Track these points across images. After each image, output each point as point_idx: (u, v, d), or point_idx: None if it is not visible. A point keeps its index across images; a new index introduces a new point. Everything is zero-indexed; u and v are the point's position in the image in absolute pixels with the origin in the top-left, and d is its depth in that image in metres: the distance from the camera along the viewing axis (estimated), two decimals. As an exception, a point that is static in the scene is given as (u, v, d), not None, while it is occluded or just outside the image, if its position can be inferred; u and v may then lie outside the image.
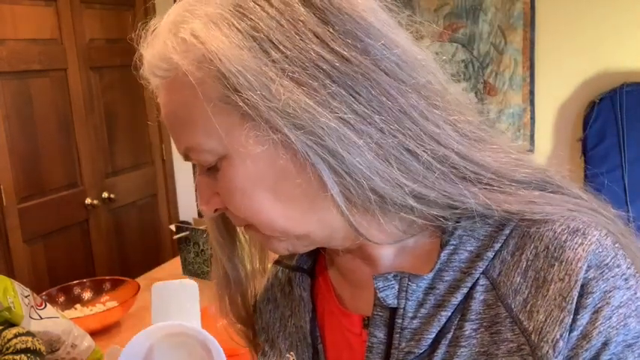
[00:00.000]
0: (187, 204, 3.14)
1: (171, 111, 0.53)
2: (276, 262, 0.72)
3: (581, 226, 0.50)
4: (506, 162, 0.53)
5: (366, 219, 0.52)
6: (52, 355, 1.22)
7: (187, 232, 1.92)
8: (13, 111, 2.23)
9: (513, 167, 0.53)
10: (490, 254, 0.52)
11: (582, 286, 0.47)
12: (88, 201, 2.56)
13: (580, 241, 0.49)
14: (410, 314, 0.53)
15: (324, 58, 0.48)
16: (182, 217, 3.02)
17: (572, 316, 0.47)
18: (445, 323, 0.52)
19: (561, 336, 0.47)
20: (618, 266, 0.49)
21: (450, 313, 0.52)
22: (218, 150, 0.51)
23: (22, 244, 2.27)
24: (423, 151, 0.50)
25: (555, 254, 0.49)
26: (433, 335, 0.52)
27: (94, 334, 1.44)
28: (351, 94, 0.48)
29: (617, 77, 2.30)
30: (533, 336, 0.48)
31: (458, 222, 0.53)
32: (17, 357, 1.03)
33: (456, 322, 0.52)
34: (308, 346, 0.62)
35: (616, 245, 0.50)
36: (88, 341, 1.30)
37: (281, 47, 0.48)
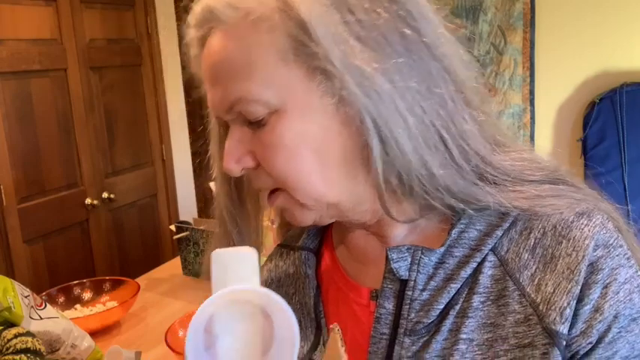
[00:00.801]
0: (187, 204, 3.14)
1: (226, 58, 0.52)
2: (280, 245, 0.73)
3: (586, 210, 0.54)
4: (520, 165, 0.56)
5: (394, 197, 0.55)
6: (52, 355, 1.22)
7: (187, 232, 1.92)
8: (13, 111, 2.23)
9: (527, 170, 0.56)
10: (499, 232, 0.54)
11: (592, 263, 0.51)
12: (88, 201, 2.56)
13: (586, 222, 0.53)
14: (420, 286, 0.55)
15: (392, 31, 0.50)
16: (182, 217, 3.02)
17: (579, 287, 0.50)
18: (454, 295, 0.54)
19: (568, 304, 0.50)
20: (621, 246, 0.52)
21: (459, 286, 0.54)
22: (273, 102, 0.51)
23: (22, 244, 2.27)
24: (455, 146, 0.53)
25: (563, 232, 0.52)
26: (442, 306, 0.54)
27: (94, 334, 1.44)
28: (410, 72, 0.51)
29: (617, 77, 2.30)
30: (541, 306, 0.51)
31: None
32: (17, 357, 1.03)
33: (464, 294, 0.54)
34: (312, 321, 0.63)
35: (616, 228, 0.54)
36: (88, 341, 1.30)
37: (355, 12, 0.50)
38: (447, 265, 0.55)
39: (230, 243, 0.65)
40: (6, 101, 2.20)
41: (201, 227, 1.93)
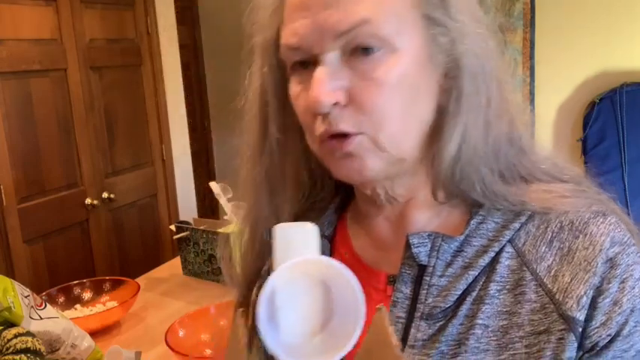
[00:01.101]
0: (187, 204, 3.14)
1: None
2: None
3: (601, 210, 0.57)
4: (546, 168, 0.61)
5: (438, 177, 0.59)
6: (52, 355, 1.22)
7: (187, 232, 1.92)
8: (13, 111, 2.23)
9: (553, 172, 0.61)
10: (516, 225, 0.57)
11: (610, 259, 0.54)
12: (88, 201, 2.56)
13: (601, 220, 0.56)
14: (438, 272, 0.57)
15: (484, 19, 0.58)
16: (182, 217, 3.02)
17: (596, 278, 0.53)
18: (471, 283, 0.56)
19: (585, 293, 0.53)
20: (634, 245, 0.55)
21: (477, 273, 0.56)
22: (391, 38, 0.53)
23: (22, 244, 2.27)
24: (504, 143, 0.59)
25: (580, 227, 0.56)
26: (460, 292, 0.56)
27: (94, 334, 1.44)
28: (500, 58, 0.59)
29: (617, 77, 2.30)
30: (557, 295, 0.54)
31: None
32: (17, 357, 1.03)
33: (481, 282, 0.56)
34: None
35: (627, 229, 0.57)
36: (88, 341, 1.30)
37: None
38: (465, 254, 0.58)
39: (260, 212, 0.66)
40: (6, 101, 2.20)
41: (201, 227, 1.93)
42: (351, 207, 0.70)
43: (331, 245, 0.68)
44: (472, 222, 0.59)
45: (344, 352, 0.40)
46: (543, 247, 0.56)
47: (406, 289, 0.58)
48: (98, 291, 1.73)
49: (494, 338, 0.54)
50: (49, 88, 2.39)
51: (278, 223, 0.59)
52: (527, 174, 0.60)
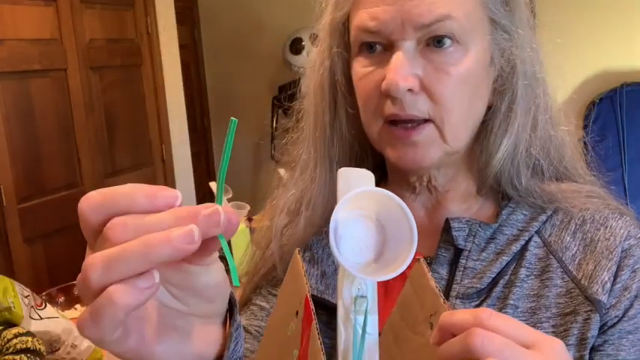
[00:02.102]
0: (187, 204, 3.13)
1: None
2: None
3: (618, 209, 0.64)
4: (579, 170, 0.67)
5: (487, 171, 0.64)
6: (52, 355, 1.22)
7: (187, 232, 1.91)
8: (13, 111, 2.23)
9: (583, 174, 0.67)
10: (543, 217, 0.63)
11: (625, 250, 0.60)
12: (88, 201, 2.56)
13: (619, 216, 0.63)
14: (474, 256, 0.62)
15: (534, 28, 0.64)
16: (182, 217, 3.02)
17: (616, 266, 0.59)
18: (504, 267, 0.61)
19: (609, 279, 0.58)
20: None
21: (509, 259, 0.61)
22: (465, 36, 0.58)
23: (22, 244, 2.27)
24: (547, 144, 0.64)
25: (601, 221, 0.62)
26: (494, 275, 0.61)
27: (94, 334, 1.44)
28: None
29: (617, 77, 2.30)
30: (583, 280, 0.59)
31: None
32: (17, 357, 1.03)
33: (512, 267, 0.61)
34: None
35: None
36: (88, 341, 1.30)
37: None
38: (498, 241, 0.62)
39: (319, 182, 0.68)
40: (6, 101, 2.20)
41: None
42: None
43: None
44: (503, 212, 0.64)
45: (398, 272, 0.43)
46: (567, 238, 0.62)
47: (442, 271, 0.62)
48: (98, 291, 1.73)
49: (524, 318, 0.59)
50: (49, 88, 2.39)
51: (334, 196, 0.63)
52: (562, 173, 0.65)
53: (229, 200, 2.04)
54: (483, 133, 0.63)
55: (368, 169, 0.71)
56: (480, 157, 0.64)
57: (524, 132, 0.62)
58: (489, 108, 0.63)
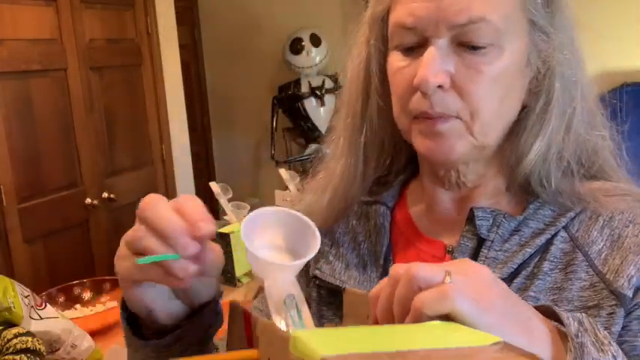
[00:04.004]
0: (187, 204, 3.13)
1: None
2: (361, 203, 0.76)
3: None
4: (612, 170, 0.67)
5: (518, 170, 0.64)
6: (52, 355, 1.22)
7: (187, 232, 1.91)
8: (13, 111, 2.23)
9: (612, 175, 0.66)
10: (572, 214, 0.62)
11: None
12: (88, 201, 2.56)
13: None
14: (496, 247, 0.62)
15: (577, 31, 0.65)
16: (182, 217, 3.02)
17: None
18: (527, 259, 0.61)
19: (635, 273, 0.57)
20: None
21: (533, 251, 0.61)
22: (499, 37, 0.58)
23: (22, 244, 2.27)
24: (580, 146, 0.64)
25: (629, 218, 0.61)
26: (515, 266, 0.61)
27: (94, 334, 1.44)
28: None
29: (617, 77, 2.30)
30: (608, 275, 0.58)
31: None
32: (17, 357, 1.03)
33: (535, 260, 0.61)
34: (378, 267, 0.68)
35: None
36: (88, 341, 1.30)
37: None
38: (522, 234, 0.62)
39: (349, 173, 0.70)
40: (6, 101, 2.20)
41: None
42: (413, 184, 0.74)
43: (391, 215, 0.72)
44: (530, 206, 0.64)
45: (309, 258, 0.51)
46: (595, 233, 0.61)
47: None
48: (98, 291, 1.73)
49: None
50: (49, 88, 2.39)
51: (362, 186, 0.71)
52: (595, 172, 0.66)
53: (229, 200, 2.04)
54: (515, 132, 0.63)
55: (399, 163, 0.75)
56: (510, 155, 0.64)
57: (557, 134, 0.62)
58: (524, 108, 0.63)
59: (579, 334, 0.46)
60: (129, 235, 0.54)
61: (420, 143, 0.62)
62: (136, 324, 0.58)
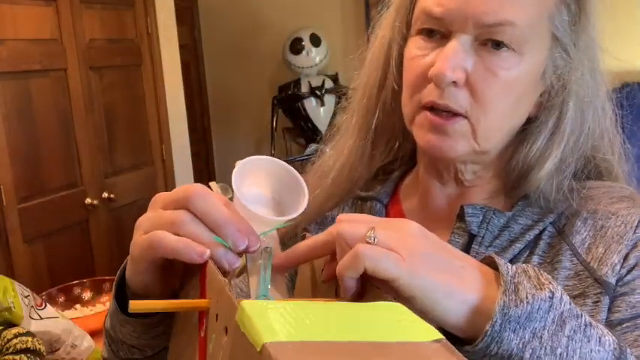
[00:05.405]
0: (187, 204, 3.13)
1: None
2: (357, 198, 0.76)
3: (630, 199, 0.64)
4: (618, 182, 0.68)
5: (515, 177, 0.65)
6: (52, 355, 1.22)
7: (187, 232, 1.91)
8: (13, 111, 2.23)
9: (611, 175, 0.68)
10: (560, 209, 0.63)
11: (635, 242, 0.60)
12: (88, 201, 2.56)
13: (633, 209, 0.63)
14: (486, 243, 0.63)
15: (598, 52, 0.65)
16: (182, 217, 3.02)
17: (625, 250, 0.59)
18: (517, 254, 0.62)
19: (619, 261, 0.58)
20: None
21: (523, 246, 0.62)
22: (523, 44, 0.58)
23: (22, 244, 2.27)
24: (584, 163, 0.65)
25: (612, 210, 0.62)
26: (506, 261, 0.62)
27: (94, 334, 1.44)
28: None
29: (617, 77, 2.30)
30: (592, 263, 0.59)
31: None
32: (17, 357, 1.03)
33: (525, 255, 0.62)
34: None
35: None
36: (88, 341, 1.30)
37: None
38: (511, 230, 0.63)
39: (356, 154, 0.71)
40: (6, 101, 2.20)
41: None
42: (409, 177, 0.75)
43: (386, 211, 0.73)
44: (519, 203, 0.65)
45: (295, 215, 0.52)
46: (579, 223, 0.62)
47: None
48: (98, 291, 1.73)
49: None
50: (49, 88, 2.39)
51: (368, 169, 0.72)
52: (589, 173, 0.66)
53: (230, 200, 2.04)
54: (520, 141, 0.64)
55: (405, 150, 0.75)
56: (515, 166, 0.64)
57: (569, 156, 0.63)
58: (529, 119, 0.64)
59: (516, 275, 0.47)
60: (166, 216, 0.54)
61: (421, 135, 0.62)
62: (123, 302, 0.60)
